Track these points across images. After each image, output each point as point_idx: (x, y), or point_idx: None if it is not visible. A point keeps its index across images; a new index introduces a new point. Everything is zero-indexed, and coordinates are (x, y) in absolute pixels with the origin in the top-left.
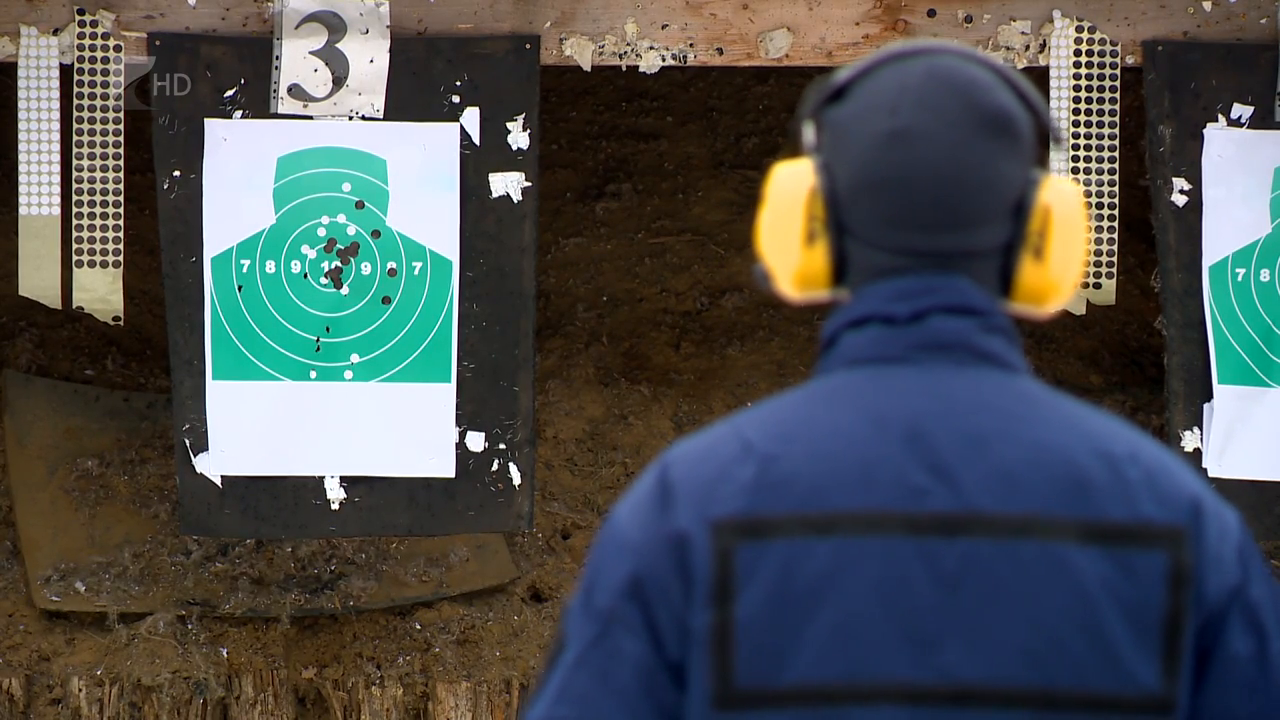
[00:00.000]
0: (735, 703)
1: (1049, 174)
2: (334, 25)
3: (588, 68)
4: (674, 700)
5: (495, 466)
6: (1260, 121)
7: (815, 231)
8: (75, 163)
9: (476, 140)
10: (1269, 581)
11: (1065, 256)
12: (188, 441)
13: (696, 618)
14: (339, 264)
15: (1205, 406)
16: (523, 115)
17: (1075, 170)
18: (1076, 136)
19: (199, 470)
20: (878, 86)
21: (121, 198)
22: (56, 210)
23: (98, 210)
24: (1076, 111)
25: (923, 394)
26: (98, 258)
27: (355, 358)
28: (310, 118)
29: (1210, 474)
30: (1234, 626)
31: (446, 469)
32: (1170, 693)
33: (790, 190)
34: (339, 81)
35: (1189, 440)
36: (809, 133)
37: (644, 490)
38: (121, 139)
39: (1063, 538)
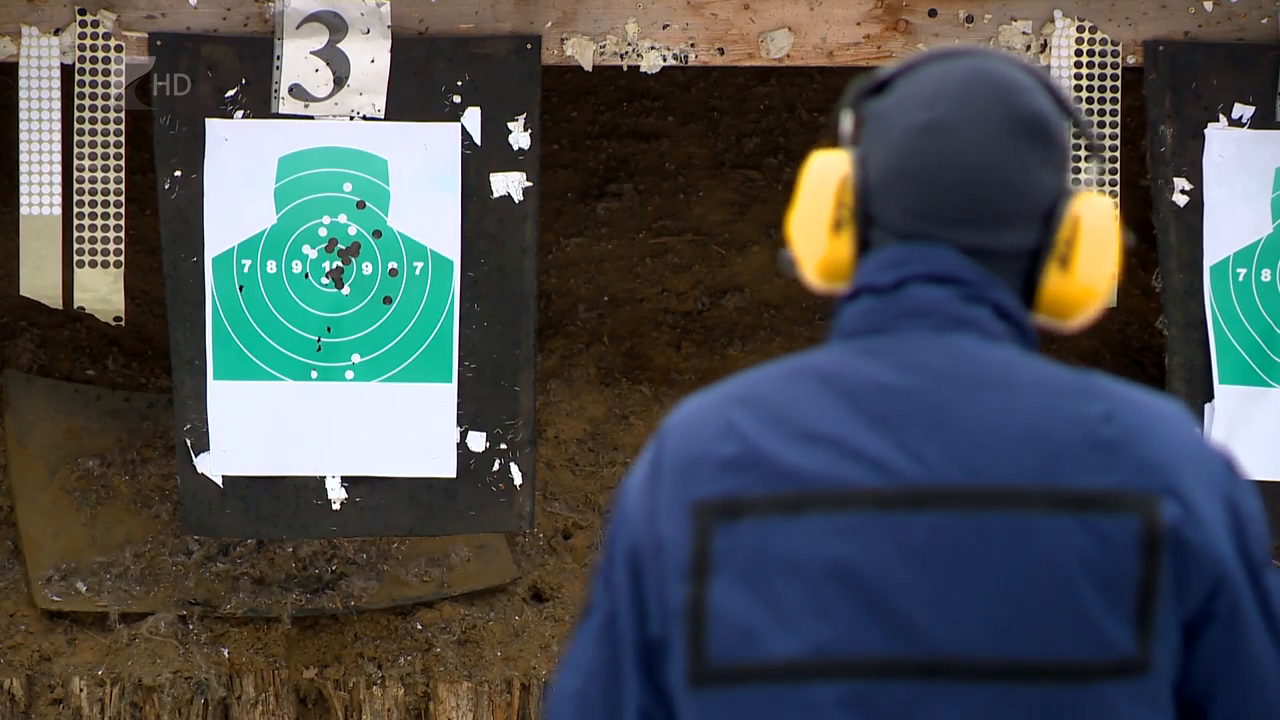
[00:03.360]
0: (709, 679)
1: (1085, 188)
2: (335, 25)
3: (589, 68)
4: (665, 678)
5: (496, 466)
6: (1261, 121)
7: (843, 220)
8: (76, 163)
9: (478, 140)
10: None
11: (1092, 269)
12: (189, 441)
13: (673, 594)
14: (340, 264)
15: (1206, 407)
16: (524, 115)
17: (1076, 170)
18: (1077, 136)
19: (200, 470)
20: (919, 82)
21: (122, 198)
22: (58, 210)
23: (99, 210)
24: None
25: (897, 367)
26: (99, 258)
27: (356, 358)
28: (311, 118)
29: None
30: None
31: (447, 469)
32: (1145, 654)
33: (822, 178)
34: (340, 81)
35: None
36: (847, 123)
37: (644, 461)
38: (122, 139)
39: (1032, 507)
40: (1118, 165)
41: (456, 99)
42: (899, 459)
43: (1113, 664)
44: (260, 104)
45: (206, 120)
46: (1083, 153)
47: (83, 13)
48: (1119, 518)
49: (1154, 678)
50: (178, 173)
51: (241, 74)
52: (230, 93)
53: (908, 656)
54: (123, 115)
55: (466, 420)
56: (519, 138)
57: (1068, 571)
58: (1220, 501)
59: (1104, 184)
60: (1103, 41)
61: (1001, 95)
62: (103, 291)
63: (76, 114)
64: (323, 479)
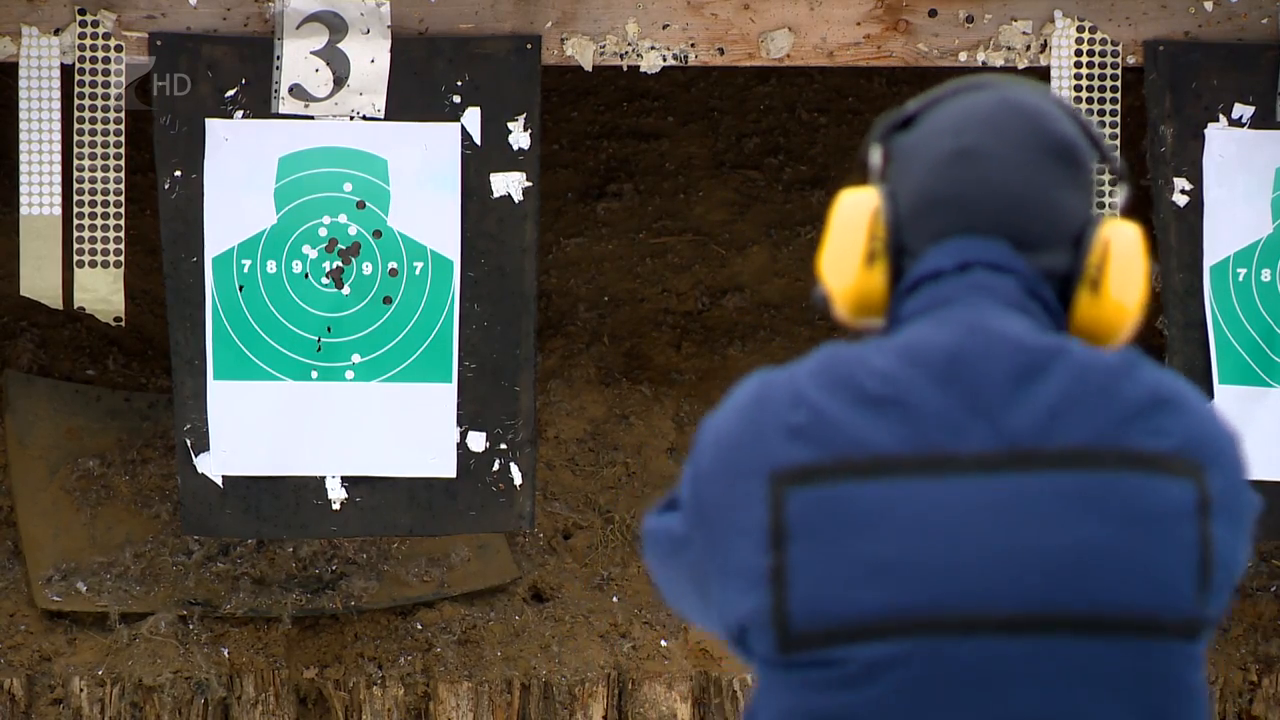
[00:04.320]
0: (795, 642)
1: (1112, 214)
2: (335, 25)
3: (589, 68)
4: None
5: (496, 466)
6: (1261, 121)
7: (875, 252)
8: (76, 163)
9: (478, 140)
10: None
11: (1123, 292)
12: (189, 441)
13: (753, 560)
14: (340, 264)
15: None
16: (524, 115)
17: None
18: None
19: (200, 470)
20: (945, 112)
21: (122, 198)
22: (58, 210)
23: (99, 210)
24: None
25: (966, 332)
26: (99, 258)
27: (356, 358)
28: (311, 118)
29: None
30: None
31: (447, 469)
32: (1202, 615)
33: (854, 213)
34: (340, 81)
35: None
36: (875, 158)
37: (726, 424)
38: (122, 139)
39: (1106, 468)
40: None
41: (456, 99)
42: (971, 422)
43: (1179, 622)
44: (260, 104)
45: (206, 120)
46: (1107, 178)
47: (83, 13)
48: (1180, 480)
49: (1203, 640)
50: (178, 173)
51: (241, 74)
52: (230, 93)
53: (985, 613)
54: (123, 115)
55: (466, 420)
56: (519, 138)
57: (1141, 528)
58: (1238, 481)
59: (1103, 184)
60: (1103, 41)
61: (1028, 121)
62: (103, 291)
63: (76, 114)
64: (323, 479)
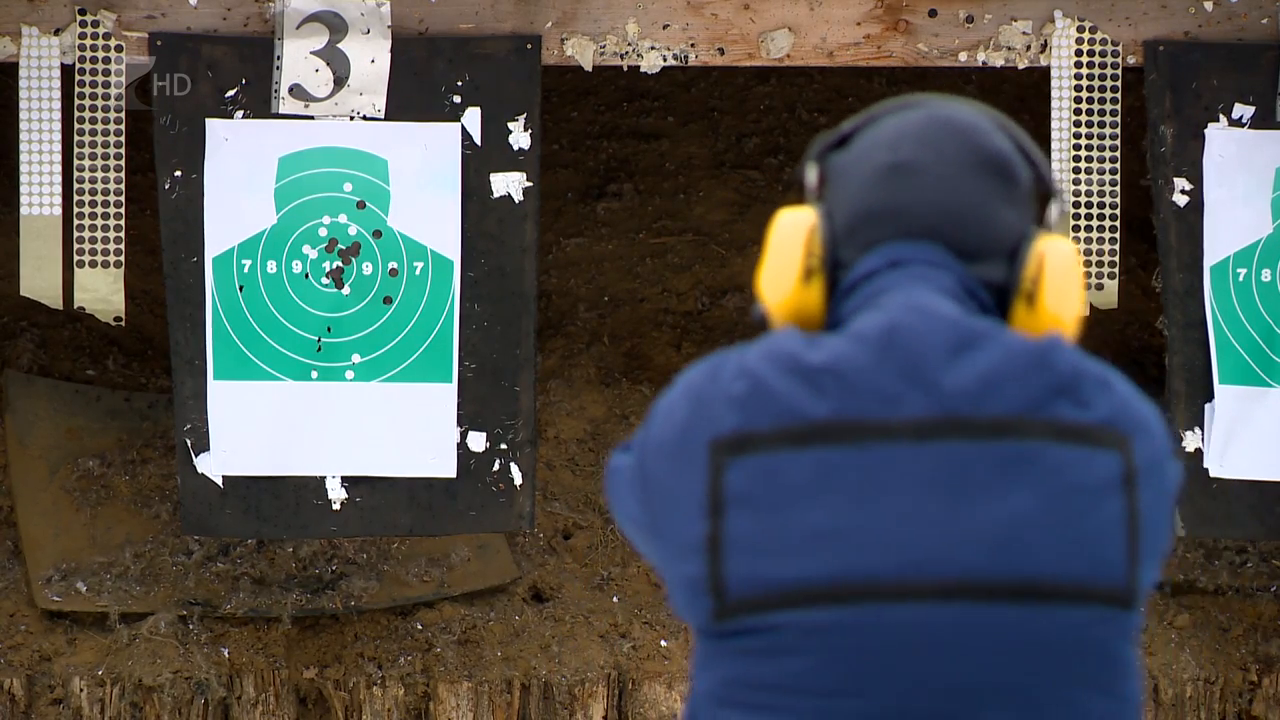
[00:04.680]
0: (731, 609)
1: (1047, 231)
2: (335, 25)
3: (589, 68)
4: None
5: (496, 466)
6: (1261, 121)
7: (813, 269)
8: (76, 163)
9: (478, 140)
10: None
11: (1058, 305)
12: (189, 441)
13: (692, 529)
14: (340, 264)
15: (1206, 406)
16: (524, 115)
17: (1076, 170)
18: (1078, 137)
19: (200, 470)
20: (880, 130)
21: (122, 198)
22: (58, 210)
23: (99, 210)
24: (1078, 112)
25: (904, 310)
26: (99, 258)
27: (356, 358)
28: (311, 118)
29: (1211, 474)
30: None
31: (448, 469)
32: (1133, 587)
33: (791, 232)
34: (340, 81)
35: (1190, 440)
36: (812, 176)
37: (676, 399)
38: (122, 139)
39: (1035, 437)
40: (1118, 165)
41: (456, 99)
42: (907, 389)
43: (1110, 592)
44: (260, 104)
45: (206, 120)
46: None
47: (83, 13)
48: (1107, 452)
49: (1135, 611)
50: (178, 173)
51: (241, 74)
52: (230, 93)
53: (919, 580)
54: (123, 115)
55: (466, 420)
56: (519, 138)
57: (1072, 498)
58: (1162, 453)
59: (1104, 185)
60: (1103, 41)
61: (961, 136)
62: (103, 291)
63: (76, 114)
64: (323, 479)
